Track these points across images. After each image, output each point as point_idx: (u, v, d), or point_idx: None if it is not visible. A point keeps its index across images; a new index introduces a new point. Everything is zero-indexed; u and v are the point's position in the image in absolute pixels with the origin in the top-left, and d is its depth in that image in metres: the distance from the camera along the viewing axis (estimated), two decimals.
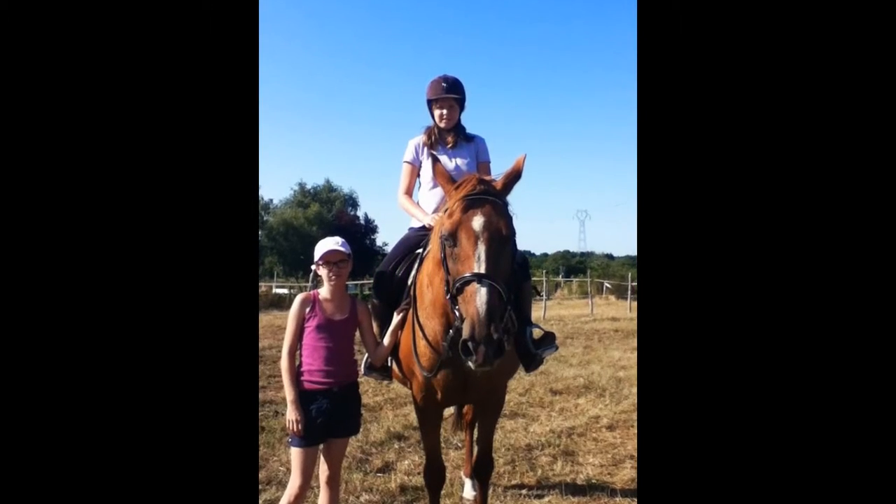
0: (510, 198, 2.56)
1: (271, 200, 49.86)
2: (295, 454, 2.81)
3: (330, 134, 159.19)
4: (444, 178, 2.66)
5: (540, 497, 3.96)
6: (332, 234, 3.28)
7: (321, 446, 2.89)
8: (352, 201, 50.90)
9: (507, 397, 4.07)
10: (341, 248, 2.86)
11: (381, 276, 3.30)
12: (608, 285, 28.89)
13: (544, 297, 20.55)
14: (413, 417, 5.26)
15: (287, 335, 2.86)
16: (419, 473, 3.85)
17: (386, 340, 3.00)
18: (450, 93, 3.41)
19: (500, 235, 2.33)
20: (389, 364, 3.21)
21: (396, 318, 2.99)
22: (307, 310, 2.86)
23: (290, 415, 2.76)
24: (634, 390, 6.95)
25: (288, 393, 2.79)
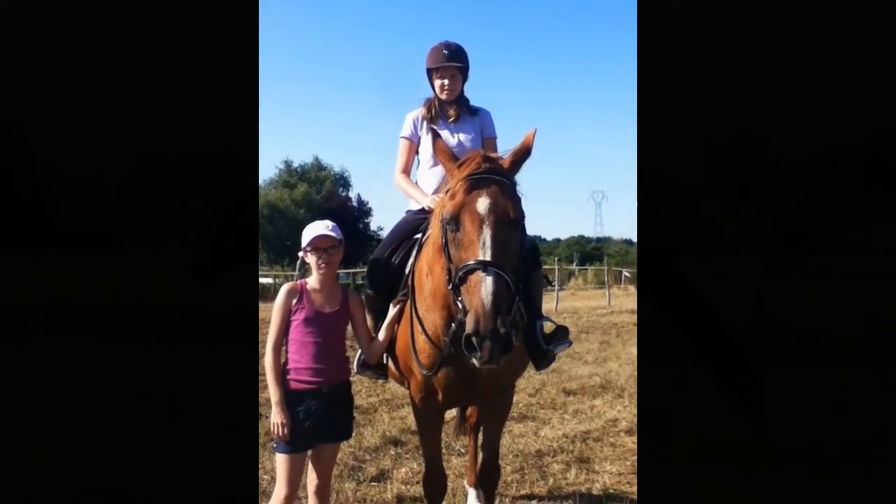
0: (518, 177, 2.56)
1: None
2: (280, 461, 2.82)
3: (319, 106, 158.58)
4: (446, 156, 2.64)
5: None
6: (322, 217, 3.27)
7: (309, 452, 2.90)
8: (343, 181, 50.97)
9: (515, 398, 4.06)
10: (331, 233, 2.85)
11: (375, 263, 3.29)
12: (627, 274, 28.91)
13: (556, 288, 20.59)
14: (411, 420, 5.27)
15: (272, 329, 2.86)
16: (418, 482, 3.86)
17: (381, 335, 3.00)
18: (452, 61, 3.39)
19: (508, 219, 2.32)
20: (385, 361, 3.21)
21: (393, 311, 2.98)
22: (294, 301, 2.86)
23: (275, 417, 2.76)
24: None
25: (273, 393, 2.79)
